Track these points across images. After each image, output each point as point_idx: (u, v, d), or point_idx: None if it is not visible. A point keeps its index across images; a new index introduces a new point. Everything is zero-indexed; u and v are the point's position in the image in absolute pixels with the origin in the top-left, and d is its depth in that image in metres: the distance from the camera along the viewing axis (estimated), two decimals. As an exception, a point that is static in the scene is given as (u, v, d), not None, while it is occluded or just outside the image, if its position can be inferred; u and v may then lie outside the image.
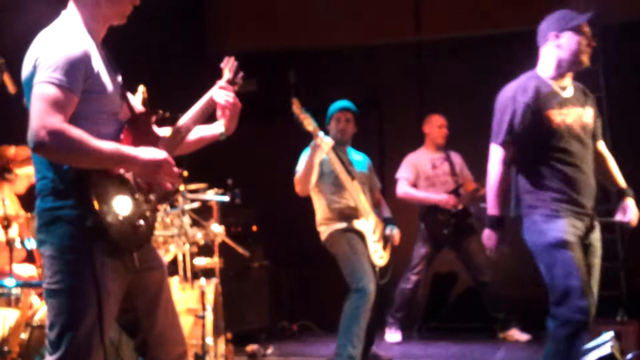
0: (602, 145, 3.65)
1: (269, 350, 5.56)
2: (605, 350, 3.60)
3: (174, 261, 4.70)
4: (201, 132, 2.77)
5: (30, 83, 2.30)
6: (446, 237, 6.03)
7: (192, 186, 4.96)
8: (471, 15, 6.74)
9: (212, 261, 4.93)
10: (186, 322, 4.25)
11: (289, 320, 6.50)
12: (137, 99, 3.13)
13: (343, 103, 4.95)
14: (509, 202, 3.56)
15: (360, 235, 4.72)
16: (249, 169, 6.57)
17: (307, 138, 4.51)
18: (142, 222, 2.42)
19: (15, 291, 3.68)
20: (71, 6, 2.46)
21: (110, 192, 2.34)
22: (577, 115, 3.48)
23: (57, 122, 2.21)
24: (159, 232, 4.42)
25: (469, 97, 6.70)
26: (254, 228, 6.44)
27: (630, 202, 3.53)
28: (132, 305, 2.52)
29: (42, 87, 2.24)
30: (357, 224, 4.72)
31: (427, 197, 6.03)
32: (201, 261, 4.87)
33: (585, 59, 3.53)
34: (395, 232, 4.90)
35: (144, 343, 2.56)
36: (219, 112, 2.73)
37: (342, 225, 4.72)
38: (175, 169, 2.44)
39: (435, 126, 6.20)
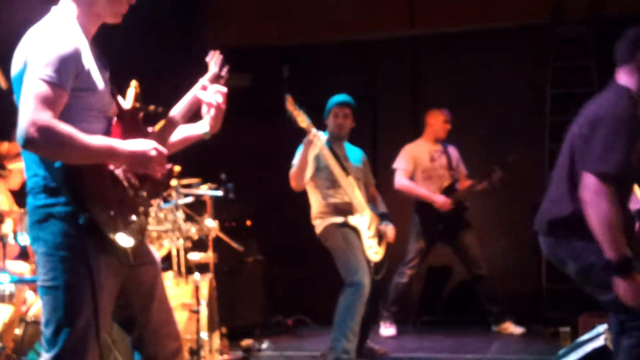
0: None
1: (264, 345, 5.56)
2: (599, 342, 3.61)
3: (168, 256, 4.70)
4: (185, 132, 2.75)
5: (21, 79, 2.29)
6: (441, 231, 6.03)
7: (186, 181, 4.95)
8: (465, 10, 6.74)
9: (206, 256, 4.93)
10: (180, 317, 4.25)
11: (284, 315, 6.50)
12: (129, 94, 3.12)
13: (341, 97, 4.93)
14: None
15: (355, 231, 4.72)
16: (243, 164, 6.56)
17: (301, 133, 4.51)
18: (134, 217, 2.42)
19: (9, 287, 3.68)
20: (63, 2, 2.45)
21: (102, 189, 2.33)
22: None
23: (47, 118, 2.20)
24: (152, 227, 4.42)
25: (463, 92, 6.72)
26: (248, 223, 6.43)
27: None
28: (127, 301, 2.52)
29: (32, 83, 2.23)
30: (352, 219, 4.73)
31: (424, 194, 6.01)
32: (195, 256, 4.87)
33: None
34: (389, 228, 4.91)
35: (140, 338, 2.56)
36: (204, 110, 2.70)
37: (337, 219, 4.73)
38: (165, 156, 2.42)
39: (441, 120, 6.15)
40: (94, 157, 2.30)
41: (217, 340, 4.72)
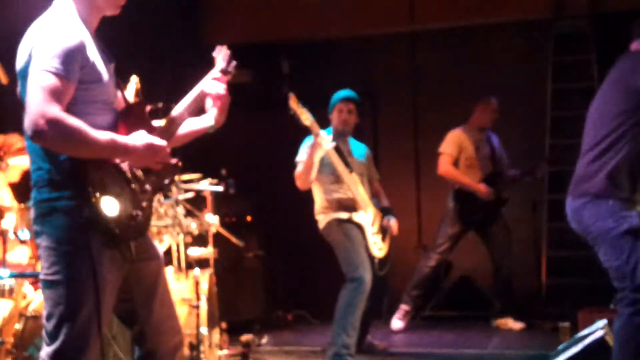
0: None
1: (264, 340, 5.56)
2: (598, 335, 3.61)
3: (168, 251, 4.70)
4: (190, 126, 2.75)
5: (25, 72, 2.29)
6: (478, 220, 5.99)
7: (186, 176, 4.95)
8: (465, 5, 6.73)
9: (206, 251, 4.93)
10: (181, 312, 4.25)
11: (284, 310, 6.50)
12: (130, 89, 3.12)
13: (345, 93, 4.91)
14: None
15: (359, 227, 4.72)
16: (243, 159, 6.56)
17: (302, 128, 4.49)
18: (139, 212, 2.42)
19: (9, 282, 3.68)
20: (65, -5, 2.45)
21: (107, 183, 2.33)
22: None
23: (56, 111, 2.20)
24: (153, 222, 4.42)
25: (463, 88, 6.71)
26: (249, 218, 6.44)
27: None
28: (129, 295, 2.52)
29: (39, 75, 2.23)
30: (356, 216, 4.72)
31: (468, 182, 5.90)
32: (195, 251, 4.87)
33: None
34: (392, 222, 4.91)
35: (141, 333, 2.56)
36: (209, 104, 2.70)
37: (340, 215, 4.72)
38: (168, 150, 2.43)
39: (490, 110, 6.03)
40: (100, 152, 2.31)
41: (217, 335, 4.73)
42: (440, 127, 6.22)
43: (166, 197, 4.56)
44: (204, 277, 4.50)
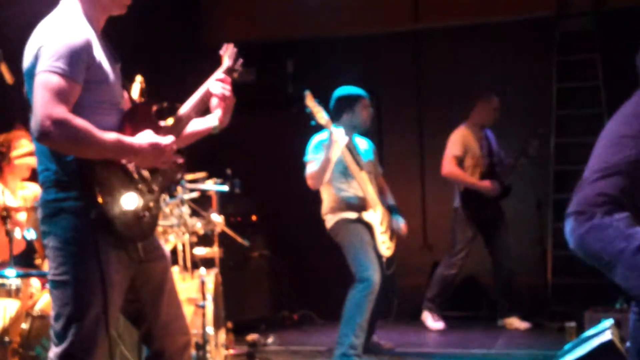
0: None
1: (270, 340, 5.56)
2: (606, 337, 3.60)
3: (174, 251, 4.69)
4: (194, 126, 2.75)
5: (32, 72, 2.29)
6: (488, 216, 5.96)
7: (191, 176, 4.95)
8: (469, 4, 6.73)
9: (211, 251, 4.93)
10: (186, 312, 4.24)
11: (290, 310, 6.51)
12: (134, 89, 3.12)
13: (361, 90, 4.89)
14: None
15: (368, 227, 4.70)
16: (248, 159, 6.56)
17: (307, 127, 4.48)
18: (146, 212, 2.42)
19: (15, 282, 3.68)
20: (70, -5, 2.45)
21: (114, 183, 2.34)
22: None
23: (62, 111, 2.20)
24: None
25: (467, 87, 6.70)
26: (254, 218, 6.44)
27: None
28: (136, 295, 2.52)
29: (45, 76, 2.23)
30: (366, 215, 4.70)
31: (472, 181, 5.91)
32: (201, 251, 4.87)
33: None
34: (401, 224, 4.91)
35: (148, 333, 2.56)
36: (214, 104, 2.70)
37: (349, 215, 4.70)
38: (174, 150, 2.43)
39: (492, 108, 6.03)
40: (106, 153, 2.31)
41: (222, 335, 4.72)
42: (445, 126, 6.21)
43: (171, 196, 4.56)
44: (210, 276, 4.50)
